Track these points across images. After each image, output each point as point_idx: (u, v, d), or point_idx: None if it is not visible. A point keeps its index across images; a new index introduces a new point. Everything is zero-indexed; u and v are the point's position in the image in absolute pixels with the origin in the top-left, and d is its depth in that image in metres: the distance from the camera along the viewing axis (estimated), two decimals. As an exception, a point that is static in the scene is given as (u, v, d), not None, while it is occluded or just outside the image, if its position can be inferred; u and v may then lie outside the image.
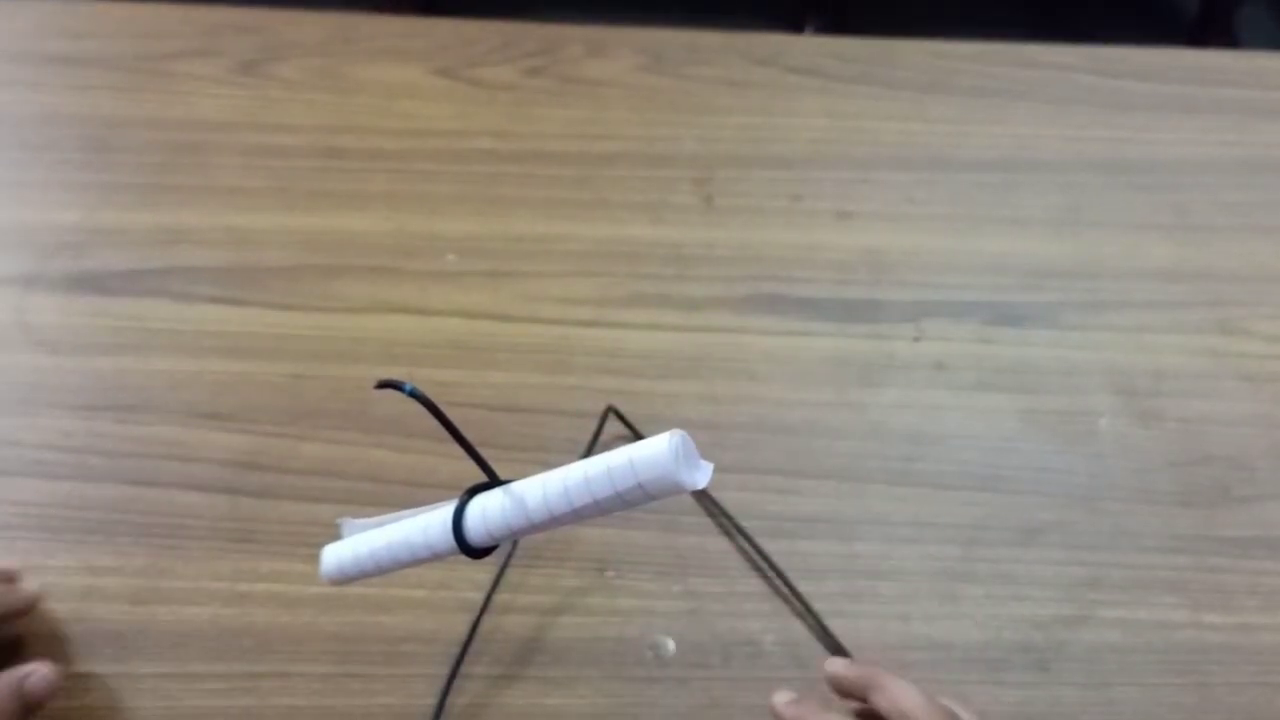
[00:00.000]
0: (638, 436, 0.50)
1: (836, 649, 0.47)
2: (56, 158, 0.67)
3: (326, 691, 0.45)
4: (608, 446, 0.30)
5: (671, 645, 0.47)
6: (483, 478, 0.32)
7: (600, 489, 0.29)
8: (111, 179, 0.65)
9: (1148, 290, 0.62)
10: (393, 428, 0.54)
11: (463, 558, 0.32)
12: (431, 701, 0.45)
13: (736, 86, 0.74)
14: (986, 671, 0.47)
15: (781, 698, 0.42)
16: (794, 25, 1.50)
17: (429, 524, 0.33)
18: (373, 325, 0.59)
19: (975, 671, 0.47)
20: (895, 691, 0.39)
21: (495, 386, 0.56)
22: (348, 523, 0.35)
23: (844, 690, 0.42)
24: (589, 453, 0.52)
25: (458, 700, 0.45)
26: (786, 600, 0.49)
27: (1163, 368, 0.58)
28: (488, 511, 0.31)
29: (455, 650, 0.46)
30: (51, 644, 0.46)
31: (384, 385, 0.30)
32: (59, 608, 0.47)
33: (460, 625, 0.47)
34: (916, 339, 0.59)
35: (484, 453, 0.32)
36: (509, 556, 0.49)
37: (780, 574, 0.49)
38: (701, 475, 0.28)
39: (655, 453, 0.28)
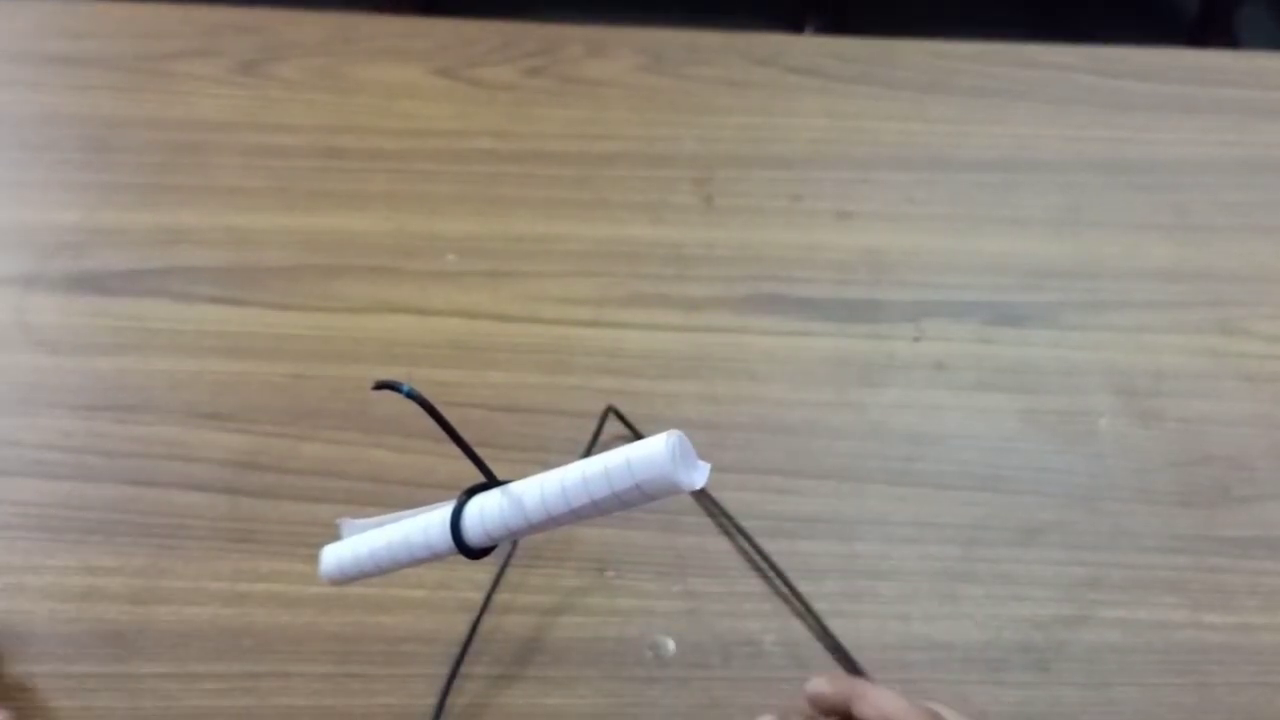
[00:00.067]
0: (637, 436, 0.50)
1: (837, 649, 0.47)
2: (56, 158, 0.67)
3: (326, 691, 0.45)
4: (607, 447, 0.30)
5: (671, 645, 0.47)
6: (481, 478, 0.32)
7: (598, 490, 0.29)
8: (111, 179, 0.65)
9: (1148, 290, 0.62)
10: (393, 428, 0.54)
11: (462, 558, 0.32)
12: (431, 701, 0.45)
13: (736, 86, 0.74)
14: (986, 671, 0.47)
15: None
16: (794, 25, 1.50)
17: (428, 524, 0.33)
18: (373, 325, 0.59)
19: (975, 671, 0.47)
20: (877, 699, 0.39)
21: (495, 386, 0.56)
22: (347, 523, 0.35)
23: (827, 707, 0.42)
24: (588, 453, 0.52)
25: (457, 700, 0.45)
26: (787, 600, 0.48)
27: (1163, 368, 0.58)
28: (486, 512, 0.31)
29: (455, 650, 0.46)
30: (52, 644, 0.46)
31: (381, 386, 0.30)
32: (59, 608, 0.47)
33: (460, 625, 0.47)
34: (916, 339, 0.59)
35: (483, 453, 0.32)
36: (509, 557, 0.49)
37: (780, 574, 0.49)
38: (699, 475, 0.28)
39: (652, 453, 0.28)
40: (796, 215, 0.66)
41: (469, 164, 0.67)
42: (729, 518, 0.51)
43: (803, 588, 0.49)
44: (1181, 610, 0.49)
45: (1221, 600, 0.49)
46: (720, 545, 0.50)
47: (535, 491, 0.30)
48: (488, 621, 0.47)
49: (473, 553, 0.32)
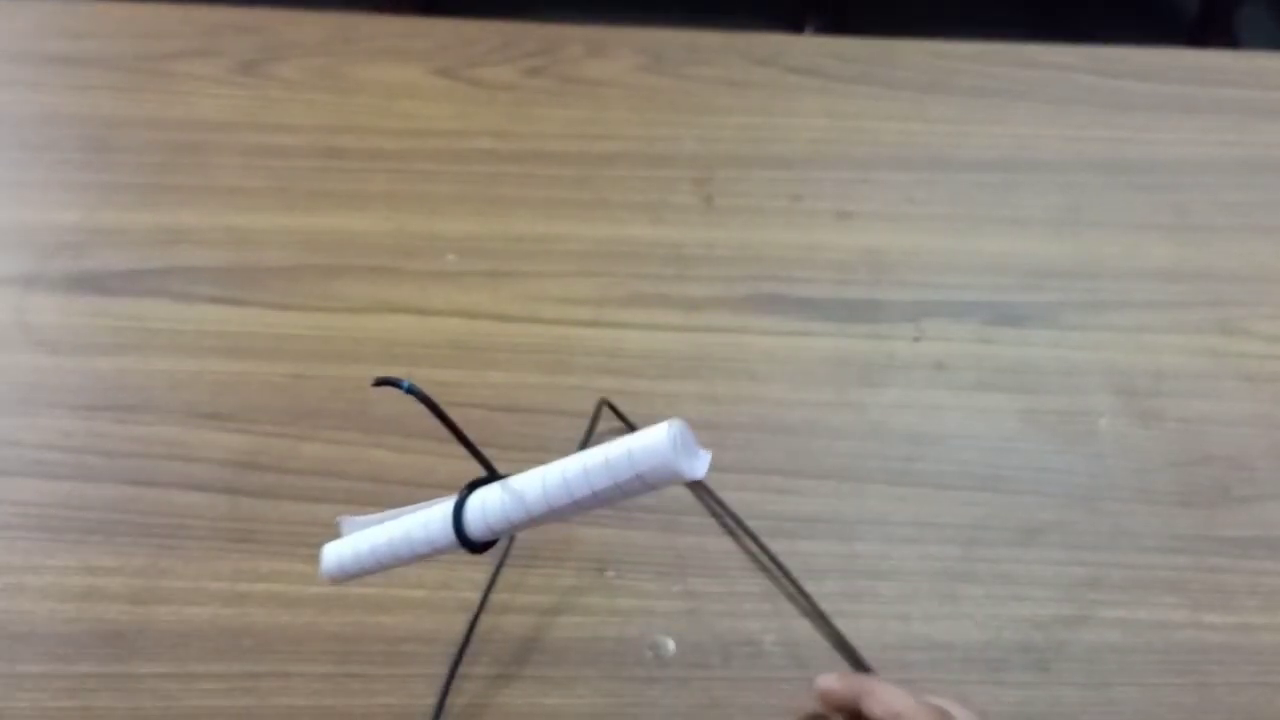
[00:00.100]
0: (631, 429, 0.50)
1: (845, 648, 0.47)
2: (56, 158, 0.67)
3: (326, 691, 0.45)
4: (602, 441, 0.30)
5: (671, 645, 0.47)
6: (482, 473, 0.32)
7: (599, 480, 0.29)
8: (111, 179, 0.65)
9: (1148, 290, 0.62)
10: (393, 428, 0.54)
11: (463, 553, 0.32)
12: (431, 701, 0.45)
13: (736, 86, 0.74)
14: (986, 671, 0.47)
15: None
16: (794, 25, 1.51)
17: (429, 519, 0.33)
18: (373, 325, 0.59)
19: (975, 671, 0.47)
20: (887, 696, 0.39)
21: (495, 386, 0.56)
22: (347, 520, 0.35)
23: (836, 704, 0.42)
24: (584, 447, 0.52)
25: (457, 700, 0.45)
26: (793, 600, 0.48)
27: (1163, 368, 0.58)
28: (487, 505, 0.31)
29: (455, 650, 0.46)
30: (52, 644, 0.46)
31: (381, 383, 0.30)
32: (59, 608, 0.47)
33: (460, 625, 0.47)
34: (916, 339, 0.59)
35: (483, 452, 0.32)
36: (504, 556, 0.49)
37: (787, 573, 0.49)
38: (700, 464, 0.28)
39: (654, 443, 0.28)
40: (796, 215, 0.66)
41: (469, 164, 0.67)
42: (735, 518, 0.51)
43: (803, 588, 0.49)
44: (1181, 610, 0.49)
45: (1221, 600, 0.49)
46: (720, 545, 0.50)
47: (536, 483, 0.30)
48: (487, 621, 0.47)
49: (475, 546, 0.32)
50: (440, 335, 0.58)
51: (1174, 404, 0.56)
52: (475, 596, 0.48)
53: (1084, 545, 0.51)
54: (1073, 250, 0.64)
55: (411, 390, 0.29)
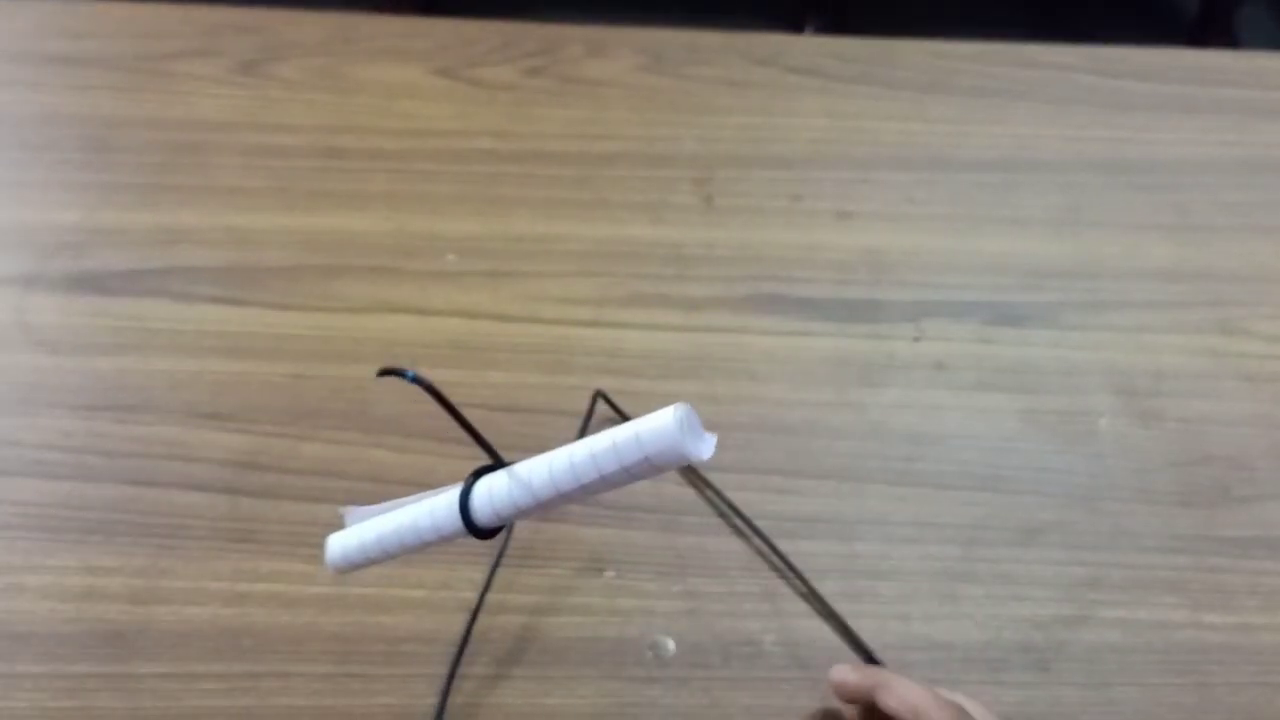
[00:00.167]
0: (625, 420, 0.50)
1: (857, 646, 0.47)
2: (56, 158, 0.67)
3: (326, 691, 0.45)
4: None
5: (671, 645, 0.47)
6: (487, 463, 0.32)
7: (606, 464, 0.29)
8: (111, 179, 0.65)
9: (1148, 290, 0.62)
10: (393, 428, 0.54)
11: (466, 547, 0.32)
12: (431, 701, 0.45)
13: (736, 86, 0.74)
14: (986, 671, 0.47)
15: None
16: (794, 25, 1.51)
17: (435, 507, 0.33)
18: (373, 325, 0.59)
19: (975, 671, 0.47)
20: (903, 689, 0.39)
21: (495, 386, 0.56)
22: (351, 511, 0.35)
23: (850, 695, 0.42)
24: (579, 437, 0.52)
25: (456, 700, 0.45)
26: (799, 600, 0.48)
27: (1163, 368, 0.58)
28: (494, 491, 0.31)
29: (455, 650, 0.46)
30: (51, 644, 0.46)
31: (386, 373, 0.30)
32: (59, 608, 0.47)
33: (460, 625, 0.47)
34: (916, 339, 0.59)
35: (488, 440, 0.32)
36: (500, 556, 0.49)
37: (798, 573, 0.49)
38: (706, 446, 0.28)
39: (662, 426, 0.28)
40: (796, 215, 0.66)
41: (469, 164, 0.67)
42: (745, 519, 0.50)
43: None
44: (1181, 610, 0.49)
45: (1221, 600, 0.49)
46: (720, 545, 0.50)
47: (543, 469, 0.30)
48: (487, 621, 0.47)
49: (482, 533, 0.32)
50: (440, 335, 0.58)
51: (1174, 404, 0.56)
52: (475, 596, 0.48)
53: (1084, 545, 0.51)
54: (1073, 250, 0.64)
55: (416, 379, 0.29)
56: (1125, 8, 1.65)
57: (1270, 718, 0.46)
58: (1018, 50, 0.77)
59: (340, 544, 0.35)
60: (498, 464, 0.32)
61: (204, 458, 0.52)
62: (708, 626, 0.48)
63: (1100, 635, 0.48)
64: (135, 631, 0.47)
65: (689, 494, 0.52)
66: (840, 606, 0.48)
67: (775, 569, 0.49)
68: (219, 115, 0.70)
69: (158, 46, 0.74)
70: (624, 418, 0.53)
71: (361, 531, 0.34)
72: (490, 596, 0.48)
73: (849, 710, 0.44)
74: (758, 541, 0.50)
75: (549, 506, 0.30)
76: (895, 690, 0.40)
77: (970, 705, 0.41)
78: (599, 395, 0.54)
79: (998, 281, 0.62)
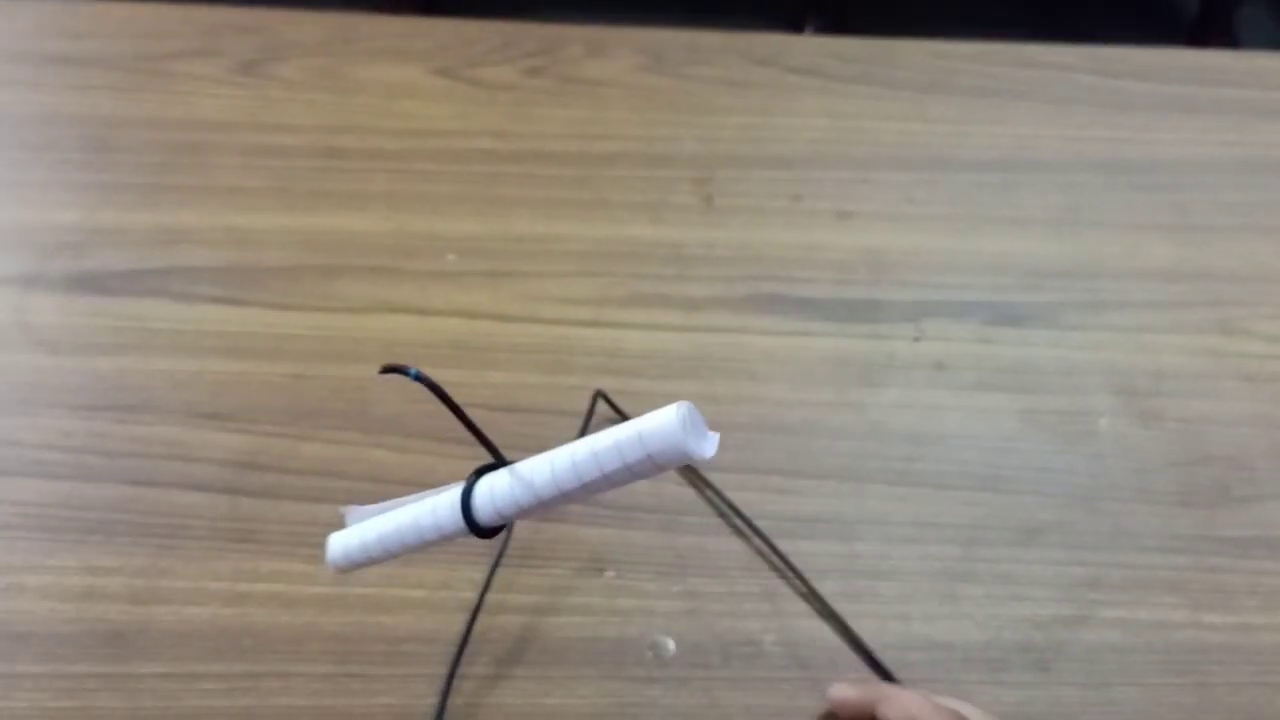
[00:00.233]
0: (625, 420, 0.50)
1: (857, 646, 0.47)
2: (56, 158, 0.67)
3: (326, 691, 0.45)
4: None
5: (671, 645, 0.47)
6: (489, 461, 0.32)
7: (609, 462, 0.29)
8: (111, 179, 0.65)
9: (1148, 290, 0.62)
10: (393, 428, 0.54)
11: (466, 546, 0.32)
12: (432, 701, 0.45)
13: (736, 86, 0.74)
14: (986, 671, 0.47)
15: None
16: (794, 25, 1.51)
17: (436, 506, 0.33)
18: (373, 325, 0.59)
19: (975, 671, 0.47)
20: (902, 700, 0.40)
21: (495, 386, 0.56)
22: (352, 510, 0.35)
23: (851, 712, 0.42)
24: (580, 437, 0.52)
25: (456, 700, 0.45)
26: (800, 601, 0.48)
27: (1163, 368, 0.58)
28: (496, 490, 0.31)
29: (455, 650, 0.46)
30: (51, 644, 0.46)
31: (388, 370, 0.30)
32: (59, 608, 0.47)
33: (460, 625, 0.47)
34: (916, 339, 0.59)
35: (483, 451, 0.32)
36: (500, 556, 0.49)
37: (800, 575, 0.49)
38: (709, 444, 0.28)
39: (664, 424, 0.28)
40: (796, 215, 0.66)
41: (469, 164, 0.67)
42: (746, 519, 0.50)
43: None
44: (1181, 610, 0.49)
45: (1221, 600, 0.49)
46: (720, 545, 0.50)
47: (545, 468, 0.30)
48: (487, 621, 0.47)
49: (483, 532, 0.32)
50: (440, 335, 0.58)
51: (1174, 404, 0.56)
52: (475, 596, 0.48)
53: (1084, 545, 0.51)
54: (1073, 250, 0.64)
55: (419, 377, 0.29)
56: (1125, 8, 1.65)
57: (1270, 718, 0.46)
58: (1018, 50, 0.77)
59: (341, 543, 0.35)
60: (499, 463, 0.32)
61: (204, 458, 0.52)
62: (708, 626, 0.48)
63: (1100, 635, 0.48)
64: (135, 631, 0.47)
65: (689, 494, 0.52)
66: (840, 606, 0.48)
67: (775, 569, 0.49)
68: (219, 115, 0.70)
69: (158, 46, 0.74)
70: (624, 418, 0.53)
71: (363, 530, 0.34)
72: (490, 596, 0.48)
73: None
74: (758, 541, 0.50)
75: (551, 505, 0.31)
76: (895, 702, 0.40)
77: (968, 710, 0.41)
78: (599, 395, 0.54)
79: (998, 281, 0.62)
